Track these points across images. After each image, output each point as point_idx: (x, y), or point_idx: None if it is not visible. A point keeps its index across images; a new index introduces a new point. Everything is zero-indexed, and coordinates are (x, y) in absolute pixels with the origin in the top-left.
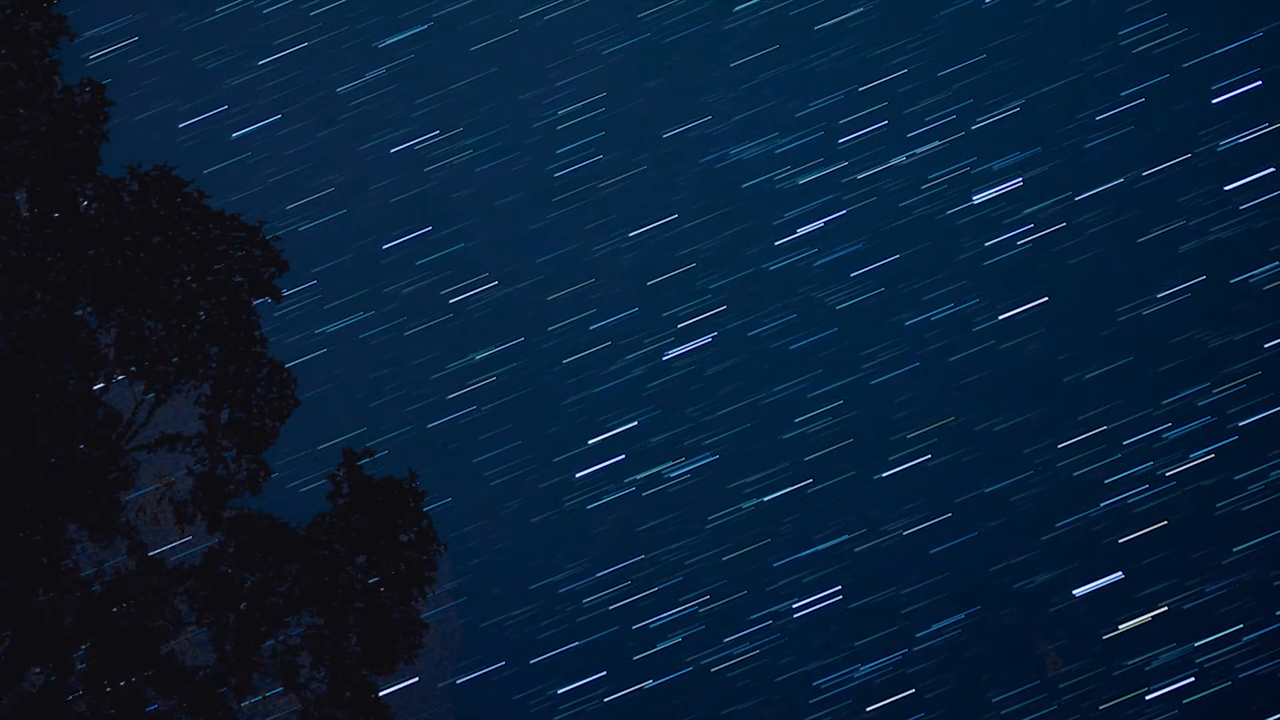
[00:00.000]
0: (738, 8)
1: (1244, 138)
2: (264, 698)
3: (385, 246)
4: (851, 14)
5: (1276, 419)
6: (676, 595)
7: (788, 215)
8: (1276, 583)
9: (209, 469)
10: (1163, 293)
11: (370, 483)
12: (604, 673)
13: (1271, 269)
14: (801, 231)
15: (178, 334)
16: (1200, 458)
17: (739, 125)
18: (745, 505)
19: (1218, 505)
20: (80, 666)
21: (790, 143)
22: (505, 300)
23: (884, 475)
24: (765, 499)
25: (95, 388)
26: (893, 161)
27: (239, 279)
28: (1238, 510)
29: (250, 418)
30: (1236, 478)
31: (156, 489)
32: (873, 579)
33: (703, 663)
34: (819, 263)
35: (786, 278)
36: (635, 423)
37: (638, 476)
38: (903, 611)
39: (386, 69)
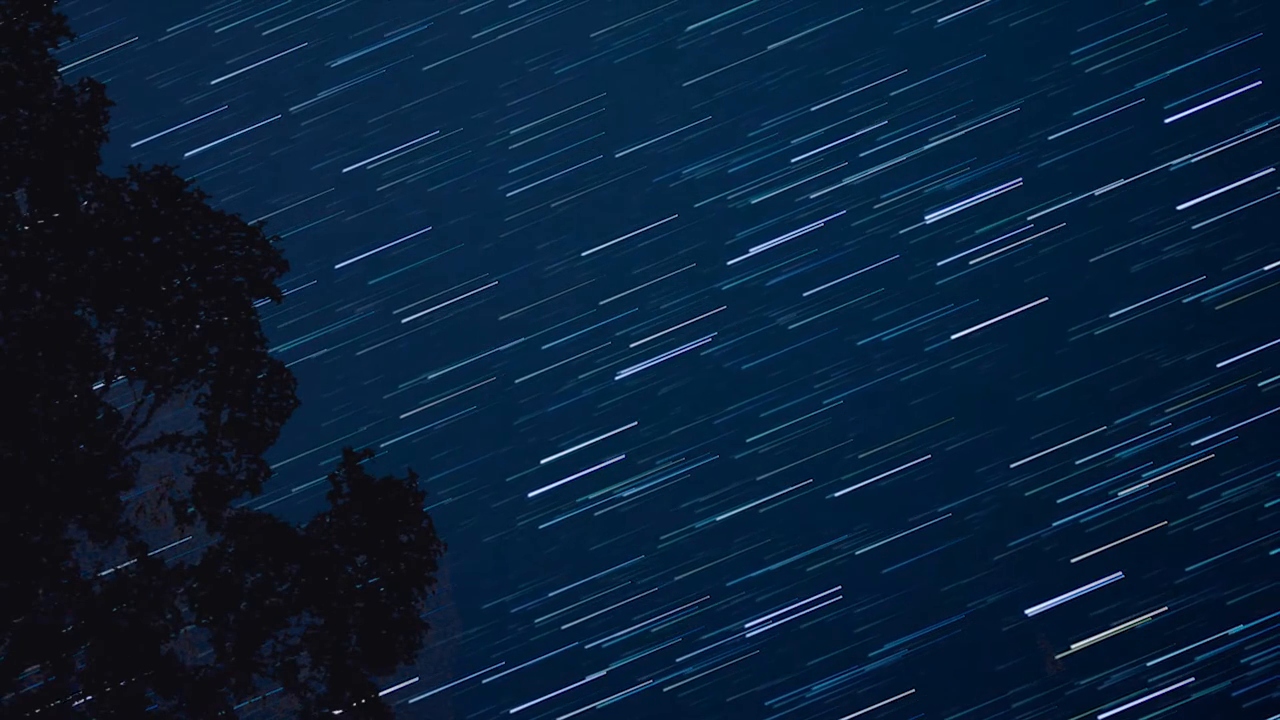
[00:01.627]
0: (690, 27)
1: (1196, 158)
2: (264, 698)
3: (338, 266)
4: (804, 34)
5: (1228, 439)
6: (629, 615)
7: (740, 235)
8: (1229, 602)
9: (209, 469)
10: (1115, 312)
11: (370, 483)
12: (556, 692)
13: (1224, 289)
14: (754, 251)
15: (178, 334)
16: (1152, 477)
17: (691, 145)
18: (698, 525)
19: (1170, 525)
20: (80, 666)
21: (742, 162)
22: (458, 320)
23: (836, 495)
24: (718, 518)
25: (95, 388)
26: (845, 181)
27: (239, 279)
28: (1190, 530)
29: (250, 418)
30: (1189, 497)
31: (156, 489)
32: (825, 599)
33: (655, 682)
34: (771, 282)
35: (739, 297)
36: (588, 443)
37: (590, 496)
38: (855, 631)
39: (339, 89)
